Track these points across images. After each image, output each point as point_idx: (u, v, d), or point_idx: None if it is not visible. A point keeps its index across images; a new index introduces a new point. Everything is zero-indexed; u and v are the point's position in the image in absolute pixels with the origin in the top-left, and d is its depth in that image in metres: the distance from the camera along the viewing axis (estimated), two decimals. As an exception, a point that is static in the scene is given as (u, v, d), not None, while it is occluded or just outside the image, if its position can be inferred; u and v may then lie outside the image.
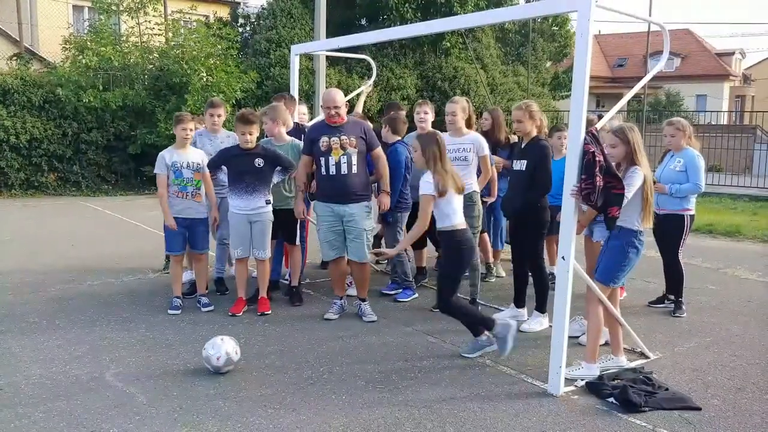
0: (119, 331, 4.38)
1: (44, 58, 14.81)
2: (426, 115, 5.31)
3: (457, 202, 3.84)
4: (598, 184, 3.38)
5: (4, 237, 7.84)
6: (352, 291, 5.07)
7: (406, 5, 15.54)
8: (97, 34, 12.71)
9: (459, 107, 4.79)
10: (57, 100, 12.07)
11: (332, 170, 4.58)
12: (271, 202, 4.81)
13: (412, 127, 5.61)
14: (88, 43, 12.57)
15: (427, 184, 3.77)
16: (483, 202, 5.09)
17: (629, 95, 4.11)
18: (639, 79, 4.26)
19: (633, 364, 3.84)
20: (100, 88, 12.04)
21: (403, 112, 6.27)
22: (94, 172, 12.77)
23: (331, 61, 14.03)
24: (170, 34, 13.50)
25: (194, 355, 3.91)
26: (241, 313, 4.76)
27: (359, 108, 6.72)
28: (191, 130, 4.77)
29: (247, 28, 17.22)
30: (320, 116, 5.06)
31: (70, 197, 12.03)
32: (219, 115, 5.31)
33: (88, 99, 11.78)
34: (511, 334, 3.82)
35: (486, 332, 3.93)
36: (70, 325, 4.50)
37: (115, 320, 4.61)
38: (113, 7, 13.20)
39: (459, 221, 3.83)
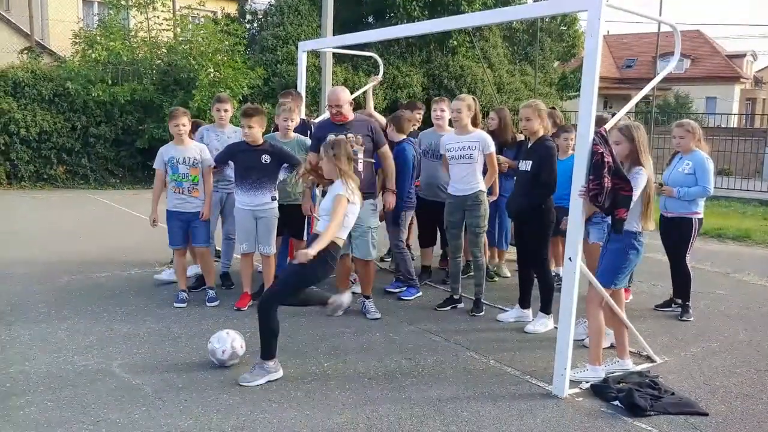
0: (126, 322, 4.41)
1: (54, 52, 14.89)
2: (443, 112, 5.28)
3: (351, 220, 3.63)
4: (606, 185, 3.36)
5: (13, 228, 7.90)
6: (357, 288, 5.08)
7: (413, 3, 15.52)
8: (107, 29, 12.78)
9: (464, 105, 4.77)
10: (66, 94, 12.13)
11: None
12: (277, 198, 4.82)
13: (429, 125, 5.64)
14: (98, 38, 12.63)
15: (341, 186, 3.57)
16: None
17: (639, 96, 4.09)
18: (647, 80, 4.25)
19: (639, 368, 3.82)
20: (109, 82, 12.09)
21: (421, 111, 6.27)
22: (102, 166, 12.84)
23: (338, 59, 14.03)
24: (178, 30, 13.55)
25: (200, 349, 3.93)
26: (246, 308, 4.78)
27: (370, 105, 6.71)
28: (183, 125, 4.78)
29: (255, 25, 17.26)
30: (326, 114, 5.07)
31: (79, 190, 12.09)
32: (226, 110, 5.33)
33: (97, 93, 11.85)
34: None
35: (273, 360, 3.51)
36: (78, 316, 4.53)
37: (121, 312, 4.64)
38: (122, 2, 13.26)
39: (343, 236, 3.60)
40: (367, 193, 4.72)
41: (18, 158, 11.82)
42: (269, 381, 3.47)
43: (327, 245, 3.45)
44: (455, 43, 16.41)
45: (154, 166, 4.88)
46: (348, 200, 3.52)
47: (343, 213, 3.51)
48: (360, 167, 4.64)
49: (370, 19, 17.11)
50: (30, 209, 9.65)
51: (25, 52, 14.30)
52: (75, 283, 5.42)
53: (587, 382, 3.57)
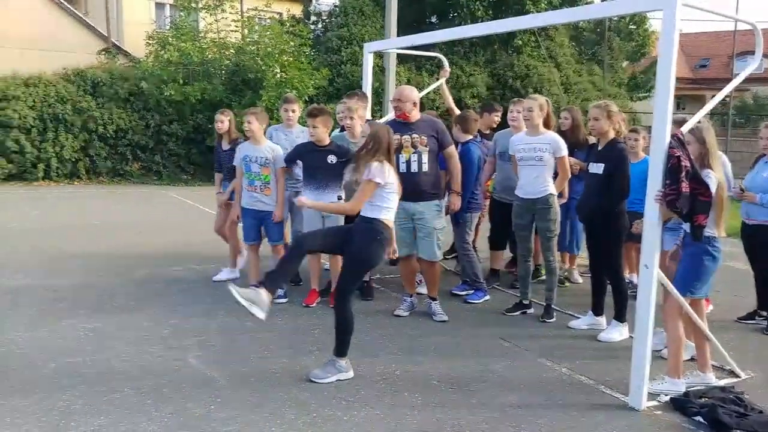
0: (201, 315, 4.58)
1: (129, 53, 15.68)
2: (518, 114, 5.18)
3: (394, 200, 3.63)
4: (683, 190, 3.21)
5: (93, 222, 8.36)
6: (422, 289, 5.06)
7: (477, 3, 15.33)
8: (178, 30, 13.33)
9: (536, 104, 4.66)
10: (141, 93, 12.75)
11: (402, 168, 4.57)
12: (343, 197, 4.87)
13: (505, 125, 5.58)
14: (170, 39, 13.19)
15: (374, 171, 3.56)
16: None
17: (718, 98, 3.89)
18: (722, 80, 4.07)
19: (722, 383, 3.62)
20: (181, 82, 12.60)
21: (499, 113, 6.19)
22: (174, 163, 13.40)
23: (401, 59, 14.06)
24: (246, 31, 13.96)
25: (271, 343, 4.04)
26: (314, 305, 4.86)
27: (449, 100, 6.64)
28: (249, 122, 4.89)
29: (319, 26, 17.54)
30: (392, 114, 5.08)
31: (152, 186, 12.67)
32: (293, 111, 5.43)
33: (169, 92, 12.37)
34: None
35: (345, 359, 3.56)
36: (155, 307, 4.73)
37: (196, 305, 4.82)
38: (193, 5, 13.78)
39: (386, 217, 3.58)
40: (432, 193, 4.71)
41: (96, 154, 12.53)
42: (339, 380, 3.51)
43: (376, 226, 3.51)
44: (520, 42, 16.11)
45: (233, 163, 5.11)
46: (377, 183, 3.51)
47: (364, 195, 3.54)
48: (425, 168, 4.63)
49: (433, 19, 17.05)
50: (107, 203, 10.19)
51: (103, 53, 15.14)
52: (153, 277, 5.67)
53: (666, 395, 3.41)
